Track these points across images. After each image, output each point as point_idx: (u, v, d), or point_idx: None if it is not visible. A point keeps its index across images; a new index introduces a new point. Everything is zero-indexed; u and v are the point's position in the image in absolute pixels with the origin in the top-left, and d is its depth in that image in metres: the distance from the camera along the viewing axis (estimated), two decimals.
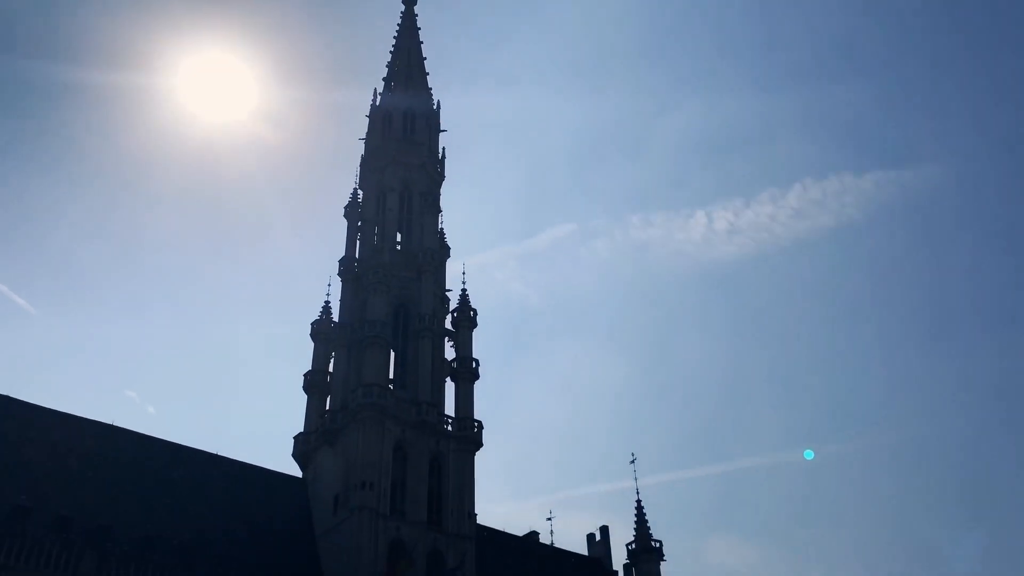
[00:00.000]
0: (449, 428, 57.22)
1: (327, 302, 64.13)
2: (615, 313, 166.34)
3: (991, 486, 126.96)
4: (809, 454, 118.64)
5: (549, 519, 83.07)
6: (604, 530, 70.56)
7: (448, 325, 63.62)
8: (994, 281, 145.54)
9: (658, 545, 64.12)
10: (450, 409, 59.10)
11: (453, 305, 64.69)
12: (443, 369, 60.95)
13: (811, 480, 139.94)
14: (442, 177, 70.83)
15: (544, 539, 68.50)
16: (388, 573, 48.48)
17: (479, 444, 57.59)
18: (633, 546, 64.72)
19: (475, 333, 63.22)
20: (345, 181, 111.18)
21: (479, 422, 58.37)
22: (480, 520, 57.80)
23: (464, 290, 65.25)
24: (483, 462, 67.68)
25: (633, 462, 68.63)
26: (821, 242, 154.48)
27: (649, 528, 64.97)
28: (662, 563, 63.81)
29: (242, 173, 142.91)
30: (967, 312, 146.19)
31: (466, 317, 63.53)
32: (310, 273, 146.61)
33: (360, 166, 70.73)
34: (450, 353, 62.35)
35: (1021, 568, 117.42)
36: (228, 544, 46.93)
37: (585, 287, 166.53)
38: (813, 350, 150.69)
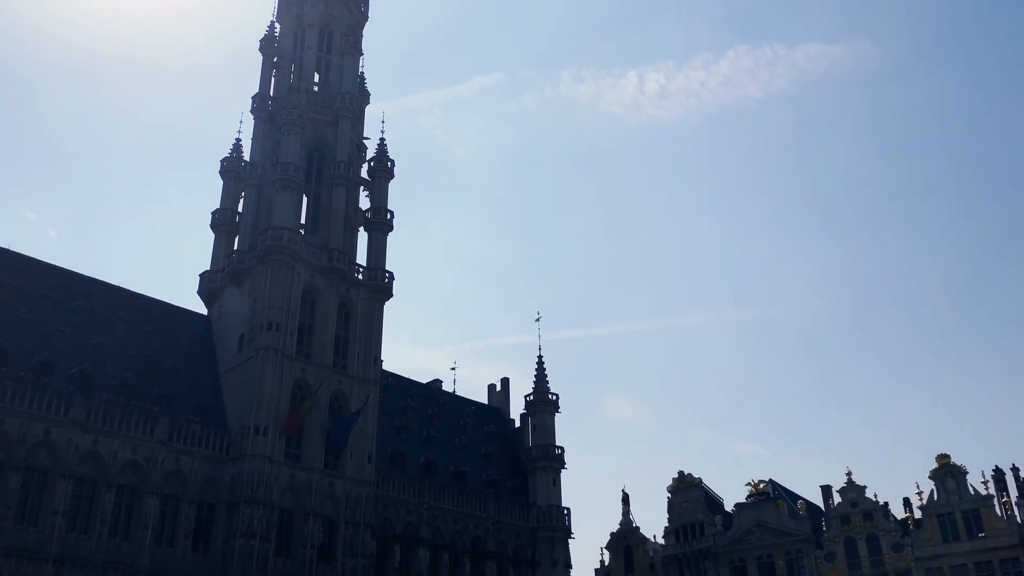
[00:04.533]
0: (360, 277, 57.57)
1: (238, 139, 62.26)
2: (536, 175, 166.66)
3: (831, 364, 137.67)
4: None
5: (453, 368, 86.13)
6: (505, 381, 73.79)
7: (364, 174, 62.76)
8: (892, 174, 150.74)
9: (554, 398, 67.40)
10: (362, 258, 59.34)
11: (371, 154, 63.67)
12: (356, 218, 60.59)
13: (698, 344, 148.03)
14: (365, 17, 67.80)
15: (447, 387, 71.26)
16: (291, 411, 49.84)
17: (389, 294, 58.31)
18: (531, 397, 67.85)
19: (392, 180, 62.81)
20: (263, 10, 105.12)
21: (390, 273, 58.93)
22: (386, 366, 59.52)
23: (383, 139, 64.17)
24: (392, 310, 68.90)
25: (538, 320, 71.03)
26: (746, 113, 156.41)
27: (548, 382, 68.03)
28: (557, 415, 67.33)
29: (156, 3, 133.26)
30: (853, 204, 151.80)
31: (383, 167, 62.74)
32: (222, 106, 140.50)
33: None
34: (364, 202, 61.92)
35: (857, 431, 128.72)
36: (129, 375, 47.15)
37: (509, 142, 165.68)
38: (713, 225, 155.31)
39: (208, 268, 58.29)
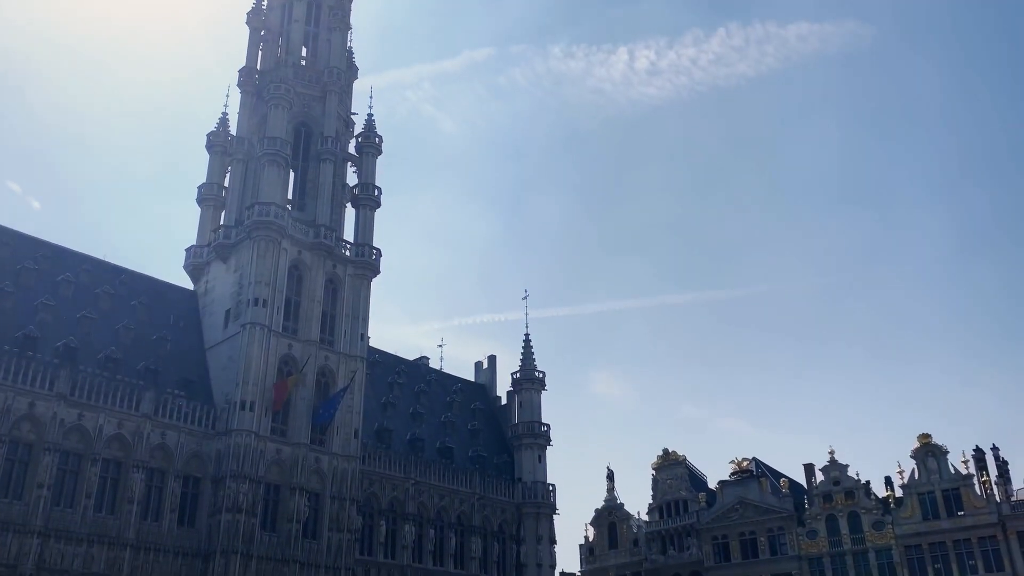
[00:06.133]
0: (347, 253, 57.45)
1: (225, 113, 61.78)
2: (523, 151, 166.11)
3: (815, 343, 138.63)
4: None
5: (440, 345, 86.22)
6: (491, 359, 74.02)
7: (352, 150, 62.46)
8: (877, 155, 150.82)
9: (541, 376, 67.68)
10: (349, 234, 59.17)
11: (358, 129, 63.33)
12: (344, 194, 60.36)
13: (684, 322, 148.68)
14: None
15: (434, 364, 71.42)
16: (277, 387, 49.82)
17: (376, 271, 58.21)
18: (517, 375, 68.11)
19: (380, 156, 62.52)
20: None
21: (378, 249, 58.81)
22: (373, 343, 59.57)
23: (370, 115, 63.79)
24: (379, 286, 68.84)
25: (526, 298, 71.21)
26: (735, 91, 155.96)
27: (534, 359, 68.27)
28: (543, 392, 67.63)
29: None
30: (837, 183, 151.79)
31: (371, 143, 62.42)
32: (209, 79, 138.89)
33: None
34: (352, 178, 61.68)
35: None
36: (114, 349, 46.96)
37: (498, 117, 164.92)
38: (698, 204, 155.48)
39: (194, 243, 58.06)
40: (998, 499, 54.51)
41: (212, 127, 61.23)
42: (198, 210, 59.47)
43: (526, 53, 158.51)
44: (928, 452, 57.58)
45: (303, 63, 62.46)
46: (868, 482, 60.41)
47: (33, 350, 43.29)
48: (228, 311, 52.51)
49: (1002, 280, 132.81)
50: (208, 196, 59.29)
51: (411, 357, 69.87)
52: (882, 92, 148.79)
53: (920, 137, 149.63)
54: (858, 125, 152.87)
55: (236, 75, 61.35)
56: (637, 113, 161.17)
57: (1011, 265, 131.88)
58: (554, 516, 63.79)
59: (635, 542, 67.76)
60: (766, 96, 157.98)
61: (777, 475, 66.20)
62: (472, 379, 73.11)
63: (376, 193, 60.71)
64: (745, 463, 65.88)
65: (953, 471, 56.66)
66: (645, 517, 68.40)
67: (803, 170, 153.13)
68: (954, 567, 54.59)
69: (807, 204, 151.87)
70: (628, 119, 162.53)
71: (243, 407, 47.79)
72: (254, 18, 63.56)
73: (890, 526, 57.40)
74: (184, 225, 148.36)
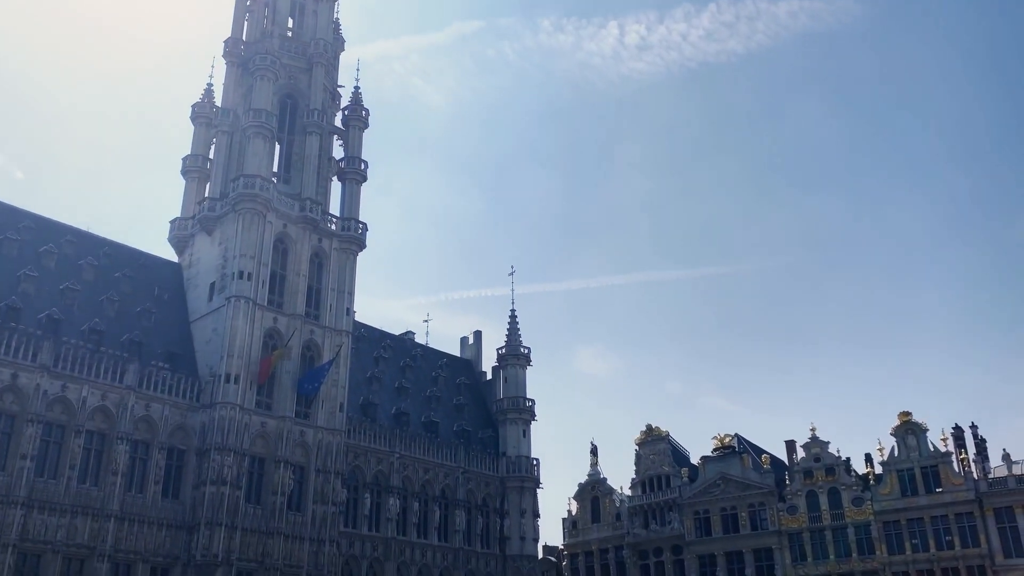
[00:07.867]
0: (333, 227, 57.26)
1: (210, 84, 61.14)
2: (511, 125, 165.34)
3: (798, 322, 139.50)
4: None
5: (426, 320, 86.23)
6: (477, 334, 74.19)
7: (338, 123, 62.05)
8: (862, 134, 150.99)
9: (526, 351, 67.93)
10: (334, 208, 58.95)
11: (345, 102, 62.94)
12: (330, 167, 60.04)
13: (669, 299, 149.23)
14: None
15: (420, 339, 71.50)
16: (263, 360, 49.83)
17: (362, 245, 58.10)
18: (503, 350, 68.32)
19: (367, 130, 62.21)
20: None
21: (364, 224, 58.64)
22: (358, 317, 59.54)
23: (357, 87, 63.39)
24: (365, 260, 68.71)
25: (512, 274, 71.20)
26: (725, 68, 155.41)
27: (520, 335, 68.45)
28: (528, 368, 67.91)
29: None
30: (819, 162, 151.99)
31: (358, 116, 62.05)
32: (194, 49, 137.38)
33: None
34: (338, 152, 61.32)
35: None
36: (98, 321, 46.74)
37: (486, 90, 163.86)
38: (686, 181, 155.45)
39: (179, 215, 57.70)
40: (975, 476, 55.23)
41: (197, 98, 60.68)
42: (183, 182, 59.07)
43: (515, 26, 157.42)
44: (908, 430, 58.20)
45: (289, 34, 61.86)
46: (848, 459, 61.11)
47: (16, 321, 43.07)
48: (213, 284, 52.33)
49: (983, 262, 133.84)
50: (193, 168, 58.84)
51: (397, 332, 69.95)
52: (870, 71, 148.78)
53: (905, 118, 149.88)
54: (845, 104, 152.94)
55: (221, 45, 60.73)
56: (626, 89, 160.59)
57: (991, 247, 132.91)
58: (538, 490, 64.40)
59: (618, 516, 68.40)
60: (755, 73, 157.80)
61: (759, 451, 66.83)
62: (458, 354, 73.29)
63: (362, 167, 60.43)
64: (727, 439, 66.44)
65: (932, 448, 57.32)
66: (628, 492, 68.99)
67: (789, 149, 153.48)
68: (931, 543, 55.37)
69: (792, 182, 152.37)
70: (617, 95, 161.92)
71: (228, 380, 47.78)
72: None
73: (869, 502, 58.14)
74: (169, 197, 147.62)
